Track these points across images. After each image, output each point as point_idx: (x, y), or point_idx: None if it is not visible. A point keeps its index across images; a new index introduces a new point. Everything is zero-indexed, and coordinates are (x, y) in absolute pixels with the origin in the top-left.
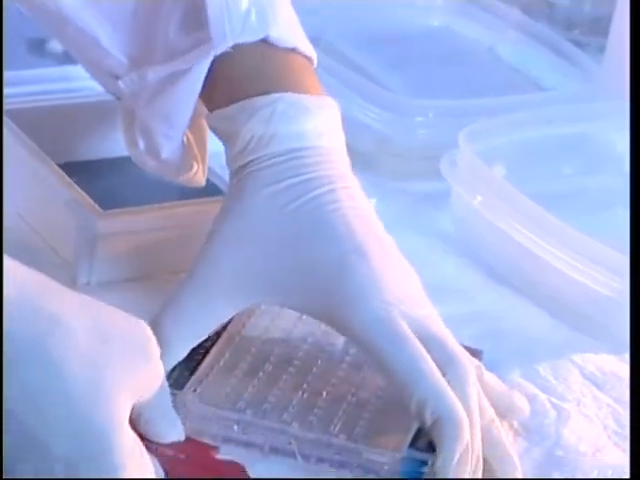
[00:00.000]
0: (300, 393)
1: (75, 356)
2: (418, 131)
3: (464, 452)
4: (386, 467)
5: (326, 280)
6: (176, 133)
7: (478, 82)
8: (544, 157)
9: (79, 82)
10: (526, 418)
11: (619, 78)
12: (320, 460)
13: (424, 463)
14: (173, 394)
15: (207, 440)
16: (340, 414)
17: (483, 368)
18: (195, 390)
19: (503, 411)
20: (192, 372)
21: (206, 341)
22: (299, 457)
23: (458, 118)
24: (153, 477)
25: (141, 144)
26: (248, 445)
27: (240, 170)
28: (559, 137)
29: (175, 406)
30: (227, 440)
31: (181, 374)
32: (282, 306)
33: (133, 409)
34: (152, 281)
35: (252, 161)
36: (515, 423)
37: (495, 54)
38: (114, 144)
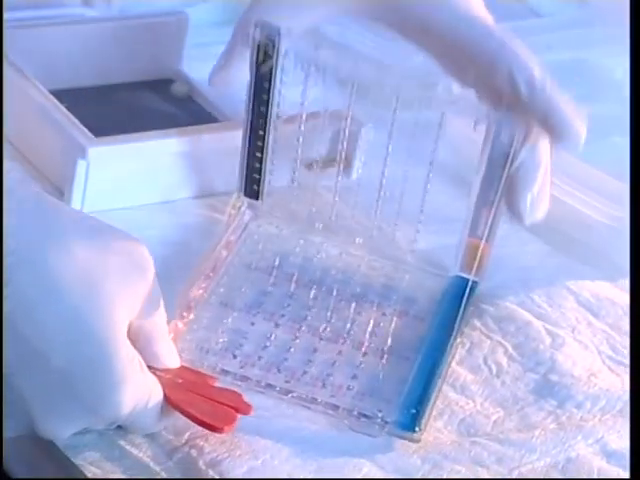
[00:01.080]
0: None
1: (72, 269)
2: (414, 58)
3: None
4: None
5: None
6: None
7: None
8: None
9: (71, 8)
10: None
11: (616, 3)
12: (314, 401)
13: None
14: None
15: (205, 371)
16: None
17: None
18: None
19: None
20: None
21: None
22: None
23: None
24: (152, 391)
25: None
26: (245, 379)
27: None
28: (557, 63)
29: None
30: (225, 372)
31: None
32: (363, 15)
33: (130, 330)
34: (145, 209)
35: None
36: (510, 348)
37: None
38: (105, 71)
